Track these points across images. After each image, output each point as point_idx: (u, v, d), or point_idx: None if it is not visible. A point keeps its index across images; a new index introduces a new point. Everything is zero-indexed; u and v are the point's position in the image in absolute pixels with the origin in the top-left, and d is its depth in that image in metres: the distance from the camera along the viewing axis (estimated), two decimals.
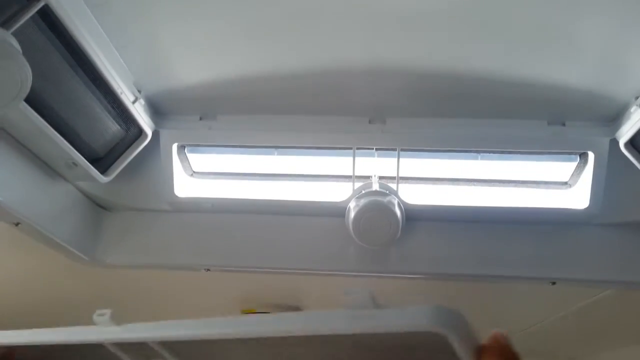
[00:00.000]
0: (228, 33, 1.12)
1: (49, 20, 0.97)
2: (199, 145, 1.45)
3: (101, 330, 0.69)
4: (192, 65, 1.22)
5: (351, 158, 1.37)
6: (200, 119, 1.36)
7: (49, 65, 1.04)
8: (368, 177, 1.41)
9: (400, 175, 1.38)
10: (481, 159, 1.40)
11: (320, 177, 1.48)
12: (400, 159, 1.36)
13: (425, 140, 1.35)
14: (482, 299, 1.73)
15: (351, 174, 1.39)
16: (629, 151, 1.21)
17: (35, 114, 1.06)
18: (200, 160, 1.49)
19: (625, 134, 1.20)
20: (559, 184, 1.43)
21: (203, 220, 1.52)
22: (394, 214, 1.33)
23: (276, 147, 1.43)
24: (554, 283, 1.45)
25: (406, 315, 0.43)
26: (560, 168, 1.40)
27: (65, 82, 1.09)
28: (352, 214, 1.34)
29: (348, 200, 1.39)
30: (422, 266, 1.48)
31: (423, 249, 1.47)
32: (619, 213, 1.40)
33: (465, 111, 1.30)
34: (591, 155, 1.31)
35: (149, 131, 1.32)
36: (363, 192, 1.38)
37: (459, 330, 0.41)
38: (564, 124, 1.29)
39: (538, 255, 1.44)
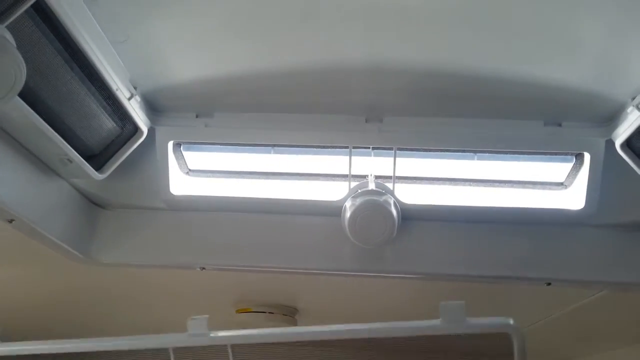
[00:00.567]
0: (225, 30, 1.12)
1: (44, 15, 0.97)
2: (195, 143, 1.45)
3: None
4: (189, 62, 1.21)
5: (347, 157, 1.37)
6: (197, 116, 1.35)
7: (44, 60, 1.03)
8: (364, 177, 1.41)
9: (397, 174, 1.38)
10: (478, 159, 1.40)
11: (316, 176, 1.48)
12: (397, 159, 1.36)
13: (422, 139, 1.35)
14: (477, 299, 1.73)
15: (347, 173, 1.38)
16: (625, 152, 1.21)
17: (30, 109, 1.05)
18: (196, 158, 1.48)
19: (621, 135, 1.20)
20: (554, 185, 1.43)
21: (198, 219, 1.52)
22: (390, 213, 1.33)
23: (272, 146, 1.43)
24: (549, 284, 1.45)
25: (488, 322, 0.74)
26: (556, 169, 1.40)
27: (60, 78, 1.08)
28: (348, 213, 1.34)
29: (344, 200, 1.39)
30: (418, 266, 1.47)
31: (419, 249, 1.47)
32: (615, 214, 1.40)
33: (463, 111, 1.30)
34: (587, 156, 1.31)
35: (144, 128, 1.31)
36: (359, 191, 1.38)
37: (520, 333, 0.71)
38: (560, 125, 1.29)
39: (533, 256, 1.44)
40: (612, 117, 1.25)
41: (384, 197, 1.35)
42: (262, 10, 1.06)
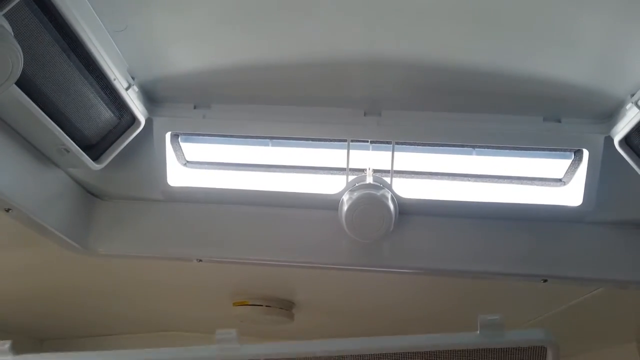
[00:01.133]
0: (225, 22, 1.11)
1: (42, 3, 0.96)
2: (192, 134, 1.44)
3: None
4: (188, 53, 1.21)
5: (345, 150, 1.37)
6: (195, 107, 1.35)
7: (41, 49, 1.02)
8: (362, 170, 1.41)
9: (395, 168, 1.38)
10: (476, 154, 1.40)
11: (314, 169, 1.47)
12: (395, 153, 1.36)
13: (420, 133, 1.34)
14: (473, 295, 1.73)
15: (345, 166, 1.38)
16: (624, 149, 1.20)
17: (27, 98, 1.05)
18: (194, 149, 1.48)
19: (620, 132, 1.20)
20: (553, 181, 1.43)
21: (196, 211, 1.52)
22: (388, 207, 1.33)
23: (270, 138, 1.42)
24: (545, 280, 1.45)
25: (527, 335, 0.80)
26: (554, 165, 1.40)
27: (58, 67, 1.08)
28: (345, 207, 1.34)
29: (341, 193, 1.38)
30: (415, 261, 1.47)
31: (416, 244, 1.46)
32: (612, 211, 1.40)
33: (462, 105, 1.29)
34: (585, 153, 1.31)
35: (142, 119, 1.31)
36: (357, 185, 1.37)
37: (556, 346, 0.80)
38: (559, 121, 1.29)
39: (530, 252, 1.44)
40: (612, 114, 1.24)
41: (381, 191, 1.34)
42: (261, 2, 1.05)
